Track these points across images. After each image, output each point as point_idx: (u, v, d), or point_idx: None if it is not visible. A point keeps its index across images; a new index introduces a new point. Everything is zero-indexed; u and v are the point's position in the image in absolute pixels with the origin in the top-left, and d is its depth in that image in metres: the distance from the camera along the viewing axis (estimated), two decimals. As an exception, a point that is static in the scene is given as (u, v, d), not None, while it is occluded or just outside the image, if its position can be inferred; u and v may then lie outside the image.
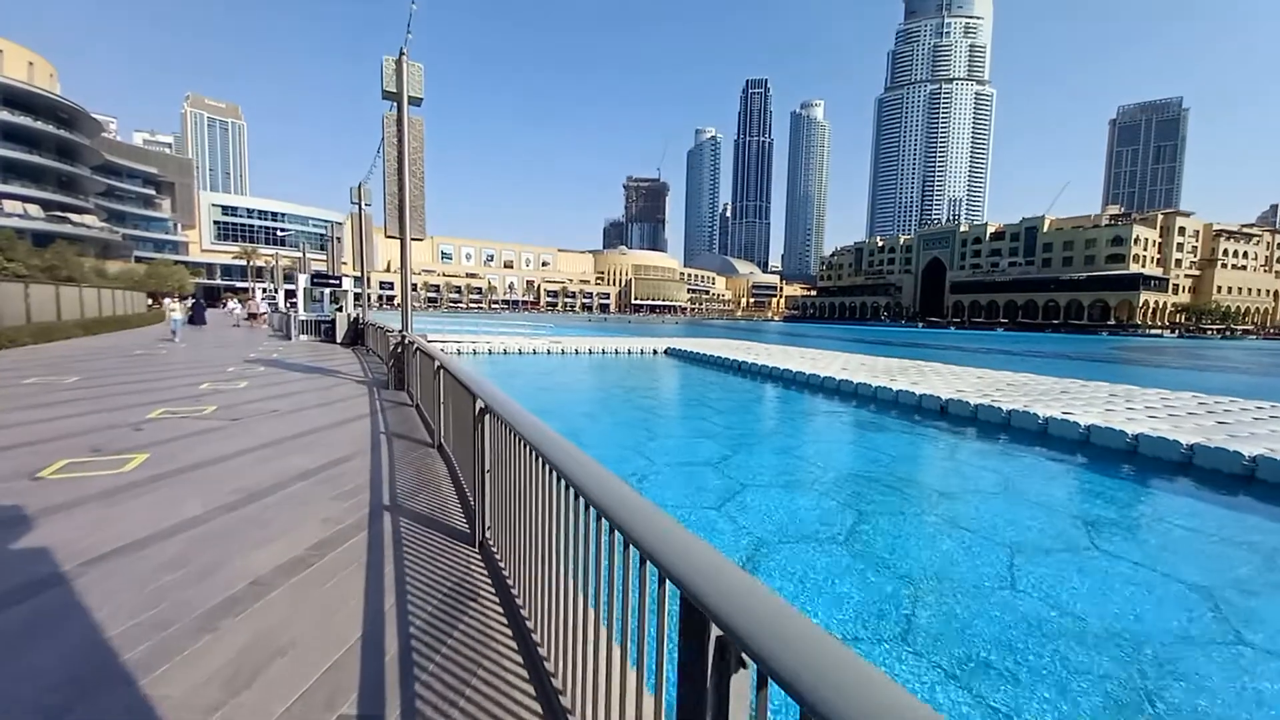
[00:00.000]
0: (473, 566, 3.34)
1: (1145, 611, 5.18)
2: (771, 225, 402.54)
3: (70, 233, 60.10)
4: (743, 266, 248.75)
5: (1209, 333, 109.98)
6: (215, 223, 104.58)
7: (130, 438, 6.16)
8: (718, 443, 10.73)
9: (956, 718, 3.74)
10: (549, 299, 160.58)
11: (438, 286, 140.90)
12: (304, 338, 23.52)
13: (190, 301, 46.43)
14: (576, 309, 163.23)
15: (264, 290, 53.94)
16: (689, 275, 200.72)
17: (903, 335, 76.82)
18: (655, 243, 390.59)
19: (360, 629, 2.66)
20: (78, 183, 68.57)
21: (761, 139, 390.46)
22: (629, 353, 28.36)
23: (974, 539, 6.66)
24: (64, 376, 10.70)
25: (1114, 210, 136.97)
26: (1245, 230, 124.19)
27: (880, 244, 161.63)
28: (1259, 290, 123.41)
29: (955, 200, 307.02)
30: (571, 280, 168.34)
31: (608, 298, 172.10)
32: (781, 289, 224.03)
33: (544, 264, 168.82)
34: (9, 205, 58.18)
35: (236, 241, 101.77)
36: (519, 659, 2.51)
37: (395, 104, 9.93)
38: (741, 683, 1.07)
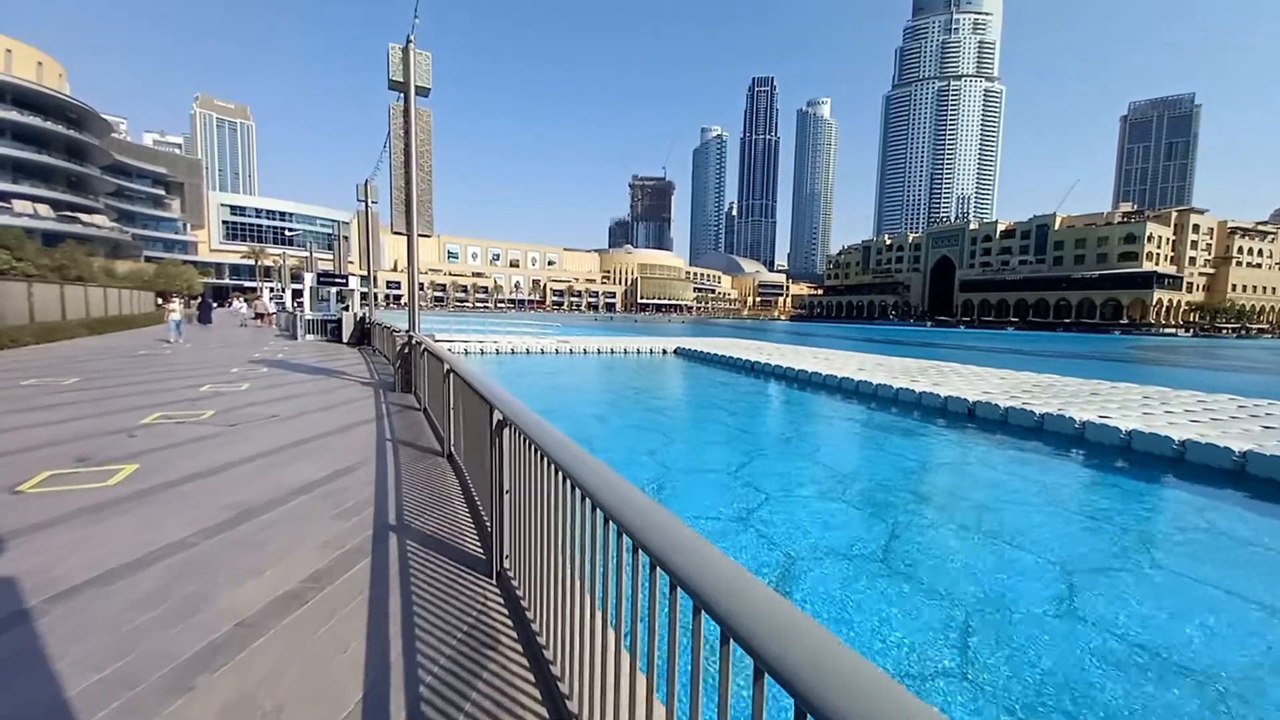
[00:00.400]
0: (490, 603, 2.92)
1: (1222, 639, 4.71)
2: (777, 224, 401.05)
3: (80, 232, 60.28)
4: (748, 265, 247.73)
5: (1224, 332, 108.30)
6: (224, 223, 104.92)
7: (121, 445, 5.79)
8: (735, 448, 10.29)
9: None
10: (555, 298, 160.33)
11: (444, 286, 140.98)
12: (310, 337, 23.24)
13: (196, 301, 46.40)
14: (582, 308, 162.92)
15: (271, 290, 53.91)
16: (695, 274, 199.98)
17: (913, 334, 75.97)
18: (661, 242, 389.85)
19: (361, 687, 2.24)
20: (87, 183, 68.83)
21: (767, 137, 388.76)
22: (638, 352, 27.93)
23: (1022, 556, 6.19)
24: (63, 378, 10.39)
25: (1127, 207, 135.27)
26: (1260, 228, 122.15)
27: (888, 242, 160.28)
28: (1274, 289, 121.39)
29: (964, 198, 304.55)
30: (577, 279, 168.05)
31: (614, 297, 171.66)
32: (788, 288, 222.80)
33: (550, 263, 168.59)
34: (19, 205, 58.43)
35: (245, 241, 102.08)
36: (550, 729, 2.09)
37: (402, 94, 9.54)
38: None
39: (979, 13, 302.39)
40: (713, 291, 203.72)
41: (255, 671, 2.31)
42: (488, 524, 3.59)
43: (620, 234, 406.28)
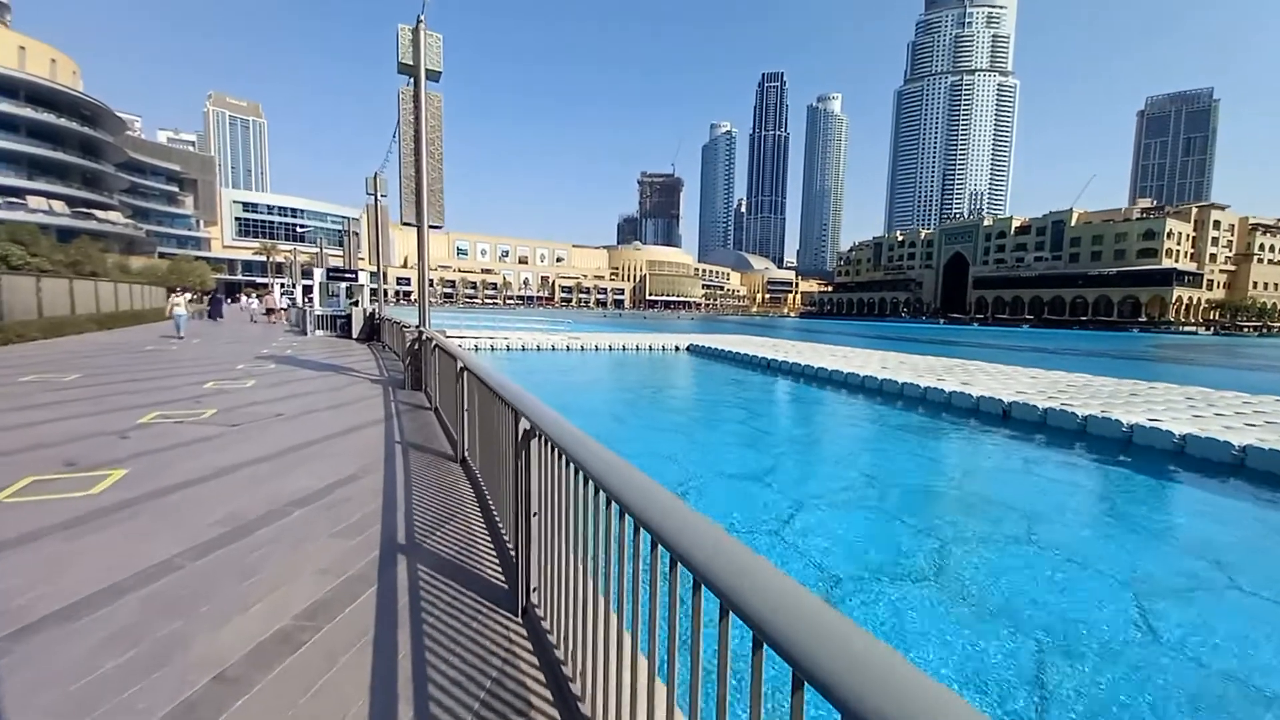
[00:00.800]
0: (517, 649, 2.46)
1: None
2: (787, 221, 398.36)
3: (95, 229, 60.59)
4: (758, 262, 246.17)
5: (1245, 330, 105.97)
6: (237, 219, 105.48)
7: (112, 448, 5.41)
8: (761, 451, 9.79)
9: None
10: (563, 295, 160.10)
11: (453, 282, 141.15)
12: (320, 333, 22.98)
13: (203, 296, 46.44)
14: (591, 305, 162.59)
15: (281, 285, 53.97)
16: (703, 271, 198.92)
17: (926, 332, 74.87)
18: (670, 238, 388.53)
19: (363, 770, 1.79)
20: (102, 179, 69.26)
21: (777, 133, 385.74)
22: (650, 349, 27.44)
23: (1084, 574, 5.66)
24: (64, 374, 10.08)
25: (1145, 203, 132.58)
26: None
27: (900, 238, 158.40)
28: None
29: (977, 194, 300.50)
30: (586, 276, 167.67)
31: (622, 293, 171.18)
32: (797, 285, 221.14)
33: (559, 260, 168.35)
34: (34, 201, 58.85)
35: (257, 238, 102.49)
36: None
37: (411, 78, 9.09)
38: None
39: (993, 6, 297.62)
40: (721, 288, 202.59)
41: (234, 744, 1.87)
42: (510, 549, 3.13)
43: (629, 231, 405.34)
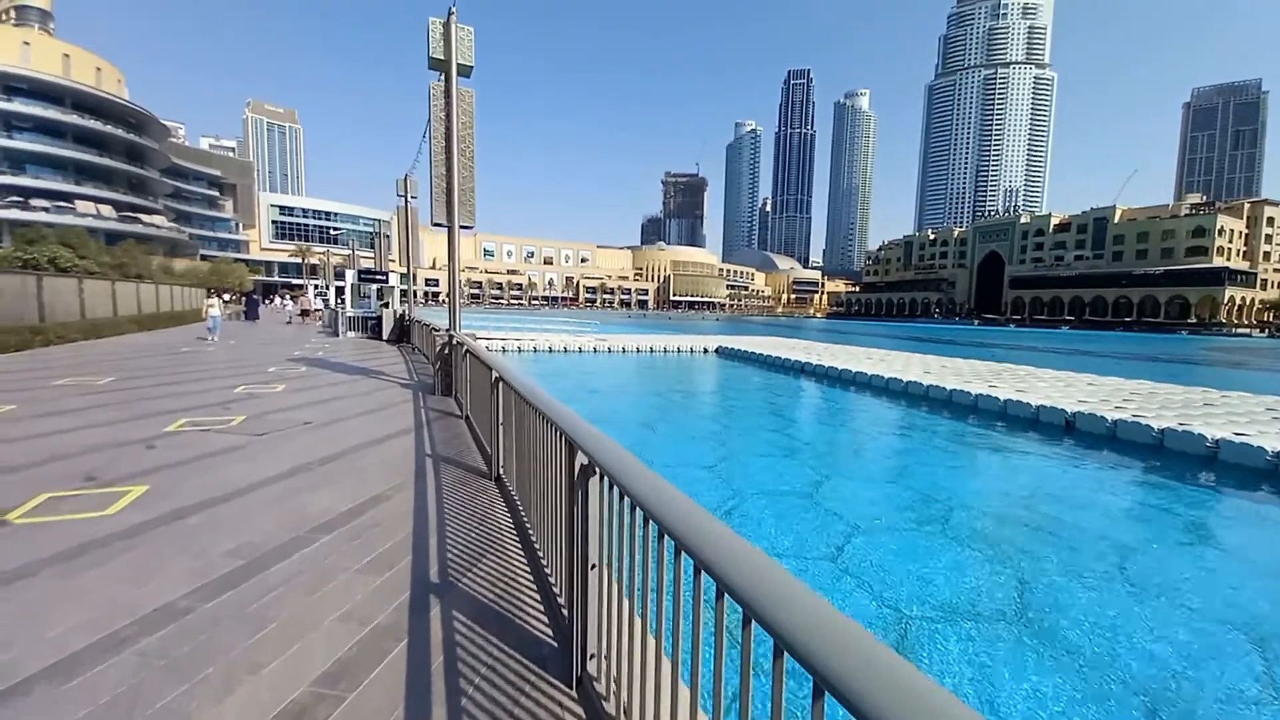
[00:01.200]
0: (576, 736, 2.02)
1: None
2: (813, 220, 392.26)
3: (140, 232, 62.94)
4: (783, 262, 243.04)
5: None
6: (273, 222, 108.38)
7: (136, 459, 5.17)
8: (803, 464, 9.21)
9: None
10: (588, 295, 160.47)
11: (480, 283, 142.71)
12: (351, 334, 23.12)
13: (241, 297, 47.64)
14: (615, 305, 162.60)
15: (315, 287, 55.13)
16: (728, 271, 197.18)
17: (961, 333, 72.52)
18: (694, 239, 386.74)
19: None
20: (147, 184, 71.88)
21: (803, 131, 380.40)
22: (677, 351, 26.92)
23: (1189, 616, 4.97)
24: (99, 377, 10.09)
25: (1194, 199, 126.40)
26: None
27: (932, 237, 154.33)
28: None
29: (1011, 191, 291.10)
30: (610, 276, 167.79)
31: (646, 294, 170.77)
32: (823, 285, 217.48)
33: (583, 260, 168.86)
34: (82, 206, 61.33)
35: (293, 240, 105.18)
36: None
37: (442, 73, 8.79)
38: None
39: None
40: (746, 289, 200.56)
41: None
42: (561, 603, 2.69)
43: (652, 231, 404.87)
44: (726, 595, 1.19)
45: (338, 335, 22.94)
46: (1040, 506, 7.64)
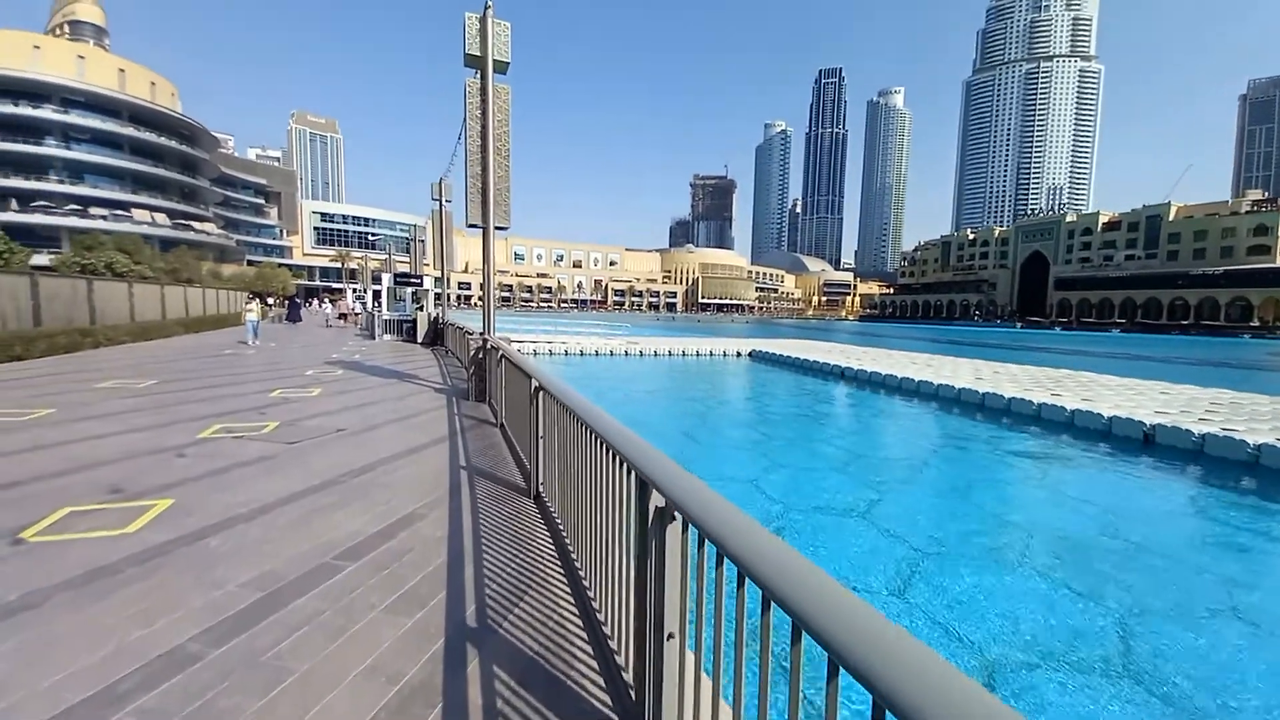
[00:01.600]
0: None
1: None
2: (844, 221, 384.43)
3: (192, 239, 65.69)
4: (813, 264, 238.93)
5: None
6: (315, 228, 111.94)
7: (166, 469, 4.98)
8: (857, 479, 8.59)
9: None
10: (616, 298, 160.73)
11: (510, 286, 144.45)
12: (387, 337, 23.34)
13: (284, 300, 49.03)
14: (643, 308, 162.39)
15: (354, 290, 56.45)
16: (757, 273, 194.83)
17: (1004, 336, 69.63)
18: (722, 241, 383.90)
19: None
20: (198, 193, 75.07)
21: (835, 130, 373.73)
22: (710, 355, 26.35)
23: (1339, 670, 4.24)
24: (142, 379, 10.19)
25: (1255, 195, 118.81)
26: None
27: (971, 236, 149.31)
28: None
29: (1055, 189, 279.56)
30: (638, 280, 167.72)
31: (674, 297, 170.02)
32: (855, 287, 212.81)
33: (611, 263, 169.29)
34: (138, 214, 64.36)
35: (333, 245, 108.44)
36: None
37: (478, 70, 8.54)
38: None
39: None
40: (775, 291, 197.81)
41: None
42: (620, 664, 2.26)
43: (681, 234, 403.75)
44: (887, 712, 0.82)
45: (374, 338, 23.18)
46: (1128, 531, 6.88)
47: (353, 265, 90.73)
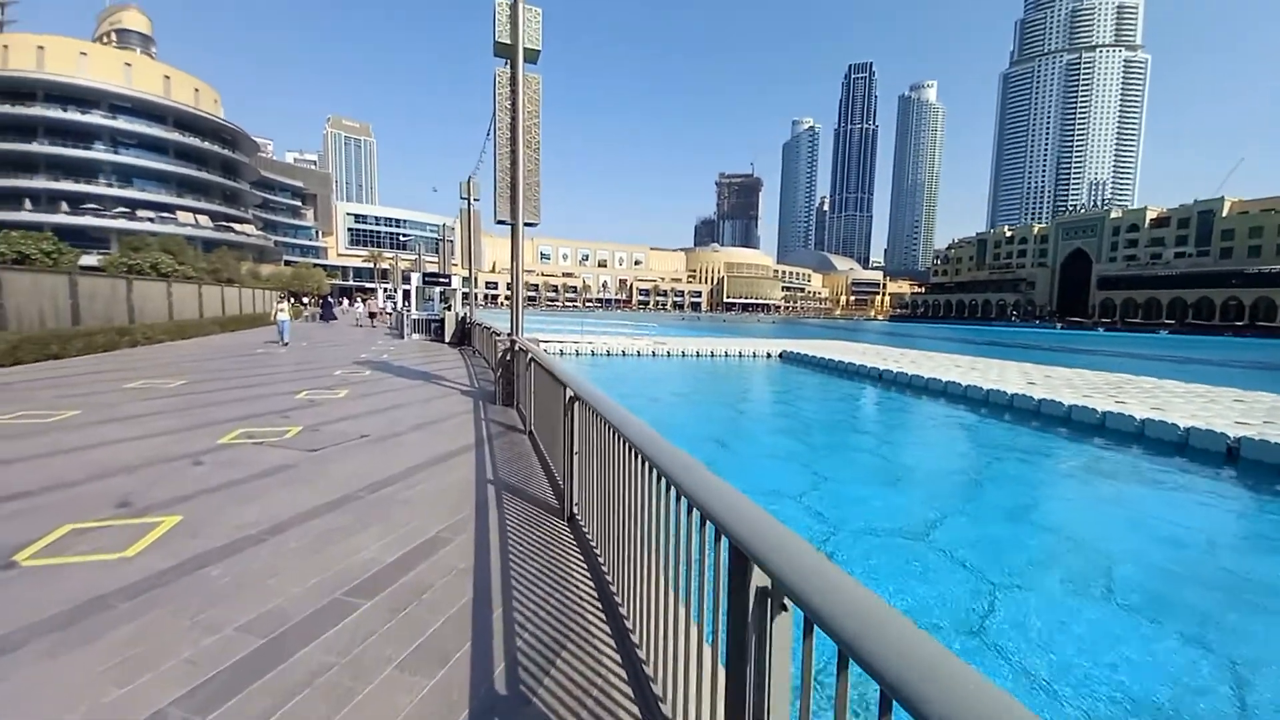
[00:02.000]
0: None
1: None
2: (874, 219, 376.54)
3: (233, 240, 67.66)
4: (841, 263, 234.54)
5: None
6: (349, 230, 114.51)
7: (180, 479, 4.71)
8: (909, 495, 7.95)
9: None
10: (640, 297, 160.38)
11: (536, 286, 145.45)
12: (416, 337, 23.36)
13: (319, 300, 50.01)
14: (668, 307, 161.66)
15: (385, 290, 57.36)
16: (783, 272, 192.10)
17: (1045, 338, 66.86)
18: (748, 239, 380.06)
19: None
20: (239, 196, 77.36)
21: (864, 126, 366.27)
22: (739, 356, 25.69)
23: None
24: (172, 379, 10.14)
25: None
26: None
27: (1009, 234, 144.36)
28: None
29: (1097, 184, 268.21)
30: (663, 279, 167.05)
31: (699, 296, 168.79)
32: (885, 286, 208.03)
33: (636, 263, 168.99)
34: (182, 216, 66.59)
35: (366, 246, 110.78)
36: None
37: (508, 60, 8.17)
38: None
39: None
40: (802, 290, 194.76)
41: None
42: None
43: (705, 233, 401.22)
44: None
45: (403, 337, 23.23)
46: (1229, 562, 6.11)
47: (384, 265, 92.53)
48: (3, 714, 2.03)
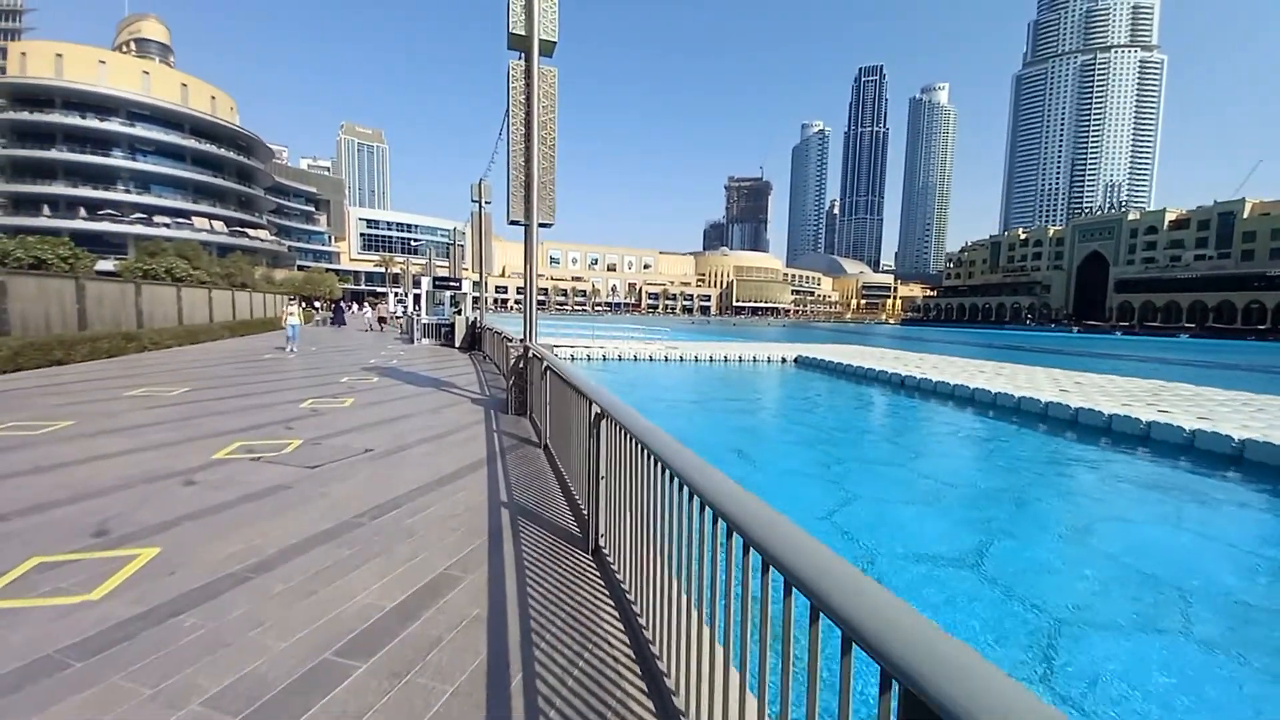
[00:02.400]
0: None
1: None
2: (884, 222, 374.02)
3: (247, 245, 68.21)
4: (851, 266, 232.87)
5: None
6: (361, 235, 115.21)
7: (166, 502, 4.32)
8: (951, 516, 7.41)
9: None
10: (650, 301, 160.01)
11: (545, 289, 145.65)
12: (426, 341, 23.09)
13: (330, 304, 50.11)
14: (677, 311, 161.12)
15: (395, 294, 57.42)
16: (793, 276, 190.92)
17: (1063, 342, 65.55)
18: (757, 243, 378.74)
19: None
20: (254, 202, 78.09)
21: (875, 129, 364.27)
22: (753, 360, 25.13)
23: None
24: (174, 387, 9.83)
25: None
26: None
27: (1023, 236, 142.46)
28: None
29: (1113, 186, 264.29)
30: (672, 282, 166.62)
31: (708, 300, 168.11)
32: (896, 289, 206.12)
33: (645, 266, 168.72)
34: (198, 222, 67.24)
35: (378, 251, 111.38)
36: None
37: (523, 53, 7.79)
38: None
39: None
40: (812, 294, 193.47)
41: None
42: None
43: (715, 236, 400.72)
44: None
45: (413, 342, 22.94)
46: (1316, 593, 5.52)
47: (396, 270, 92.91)
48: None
